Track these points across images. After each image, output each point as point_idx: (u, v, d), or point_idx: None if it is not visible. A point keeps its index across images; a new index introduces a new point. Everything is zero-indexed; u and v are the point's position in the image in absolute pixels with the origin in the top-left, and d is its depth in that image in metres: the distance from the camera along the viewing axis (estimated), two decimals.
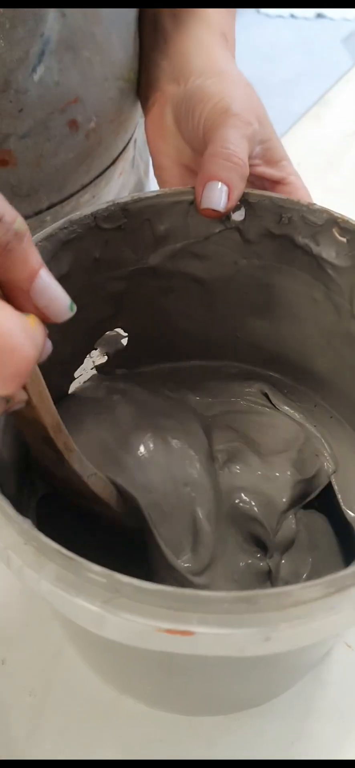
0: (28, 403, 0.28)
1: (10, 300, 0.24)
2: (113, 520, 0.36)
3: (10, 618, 0.40)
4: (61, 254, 0.36)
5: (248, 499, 0.38)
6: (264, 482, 0.38)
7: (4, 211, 0.22)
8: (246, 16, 2.61)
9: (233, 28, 0.47)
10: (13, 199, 0.38)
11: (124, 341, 0.44)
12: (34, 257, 0.23)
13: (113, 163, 0.50)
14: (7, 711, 0.36)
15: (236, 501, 0.37)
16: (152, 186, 0.66)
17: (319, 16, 2.85)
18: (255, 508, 0.37)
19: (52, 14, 0.39)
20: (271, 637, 0.22)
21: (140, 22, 0.48)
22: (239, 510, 0.37)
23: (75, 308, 0.26)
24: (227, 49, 0.43)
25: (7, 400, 0.25)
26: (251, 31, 2.50)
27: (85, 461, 0.34)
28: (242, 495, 0.38)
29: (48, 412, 0.30)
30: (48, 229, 0.35)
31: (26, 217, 0.32)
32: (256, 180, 0.40)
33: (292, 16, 2.86)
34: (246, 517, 0.37)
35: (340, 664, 0.38)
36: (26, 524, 0.24)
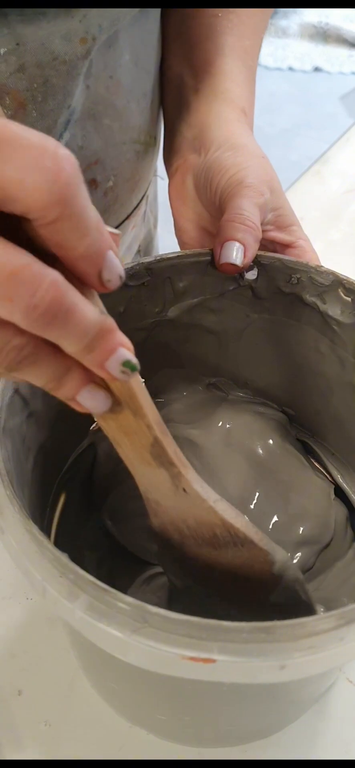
0: (131, 396, 0.25)
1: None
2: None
3: (26, 650, 0.40)
4: None
5: None
6: None
7: None
8: None
9: (252, 102, 0.48)
10: None
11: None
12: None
13: (128, 217, 0.53)
14: (24, 740, 0.37)
15: None
16: (161, 237, 0.68)
17: (316, 69, 2.93)
18: None
19: (79, 88, 0.41)
20: (286, 665, 0.23)
21: (165, 94, 0.51)
22: None
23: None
24: (245, 123, 0.45)
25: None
26: None
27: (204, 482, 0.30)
28: None
29: (151, 407, 0.26)
30: None
31: None
32: (268, 244, 0.42)
33: (290, 68, 2.94)
34: None
35: (342, 699, 0.39)
36: (64, 557, 0.25)
